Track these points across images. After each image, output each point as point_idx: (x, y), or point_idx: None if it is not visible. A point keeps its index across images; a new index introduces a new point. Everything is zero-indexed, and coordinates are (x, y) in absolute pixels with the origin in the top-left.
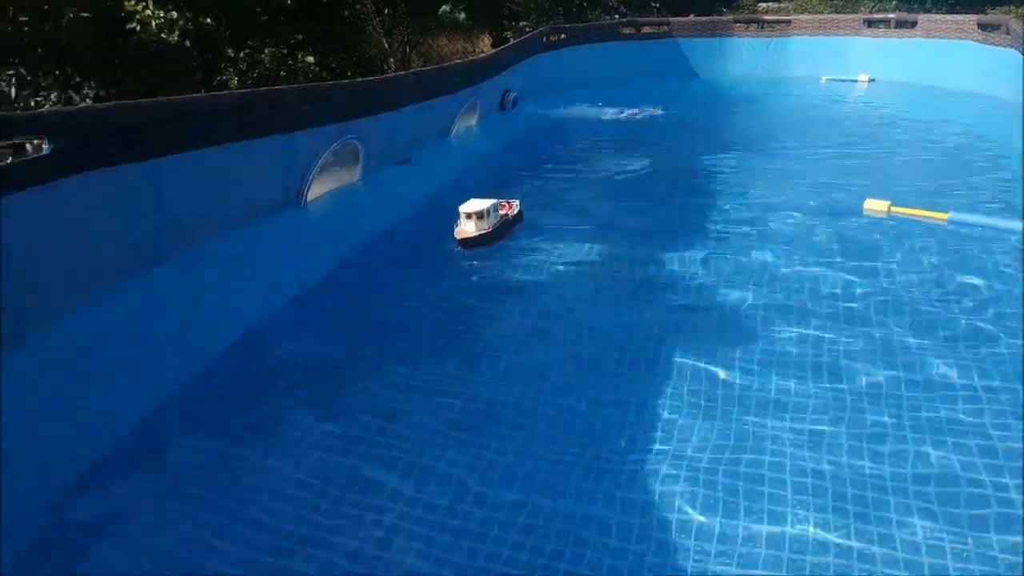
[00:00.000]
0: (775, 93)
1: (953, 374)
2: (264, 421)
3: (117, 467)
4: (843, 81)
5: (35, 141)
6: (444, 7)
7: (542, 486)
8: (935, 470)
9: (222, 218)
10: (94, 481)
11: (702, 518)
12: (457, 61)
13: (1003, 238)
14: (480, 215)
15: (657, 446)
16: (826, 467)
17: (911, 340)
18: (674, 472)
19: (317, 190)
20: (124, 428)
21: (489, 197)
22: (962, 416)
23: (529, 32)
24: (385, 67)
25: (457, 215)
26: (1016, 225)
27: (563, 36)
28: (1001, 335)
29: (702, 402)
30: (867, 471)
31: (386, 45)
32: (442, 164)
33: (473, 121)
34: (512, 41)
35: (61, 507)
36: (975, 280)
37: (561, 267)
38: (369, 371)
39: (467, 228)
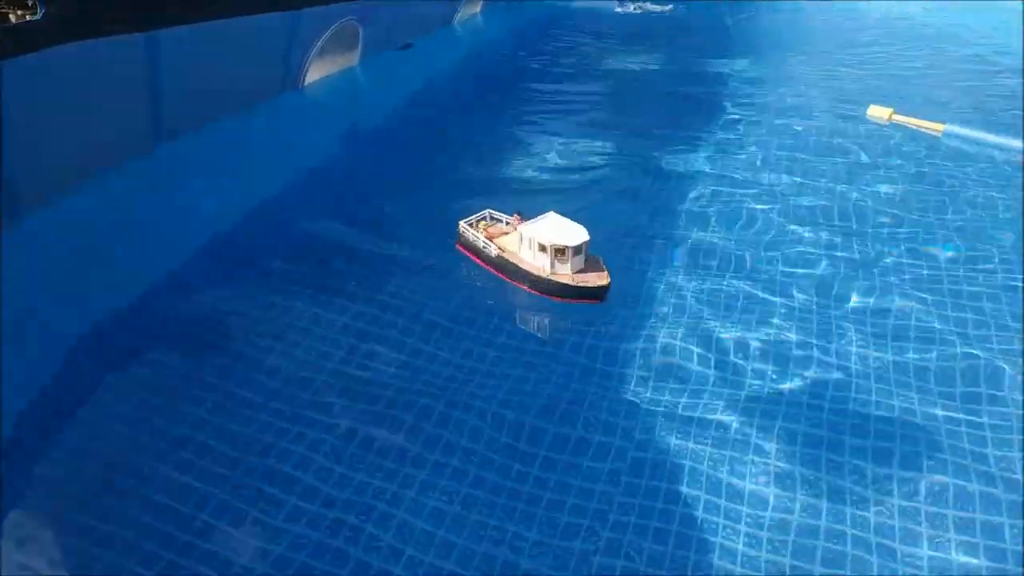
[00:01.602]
0: None
1: None
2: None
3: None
4: None
5: (19, 12)
6: None
7: None
8: None
9: (223, 96)
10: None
11: None
12: None
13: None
14: (578, 249)
15: None
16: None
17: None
18: None
19: (316, 73)
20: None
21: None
22: None
23: None
24: None
25: (534, 245)
26: (1013, 142)
27: None
28: None
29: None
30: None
31: None
32: (445, 51)
33: (477, 8)
34: None
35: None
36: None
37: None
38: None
39: (562, 269)
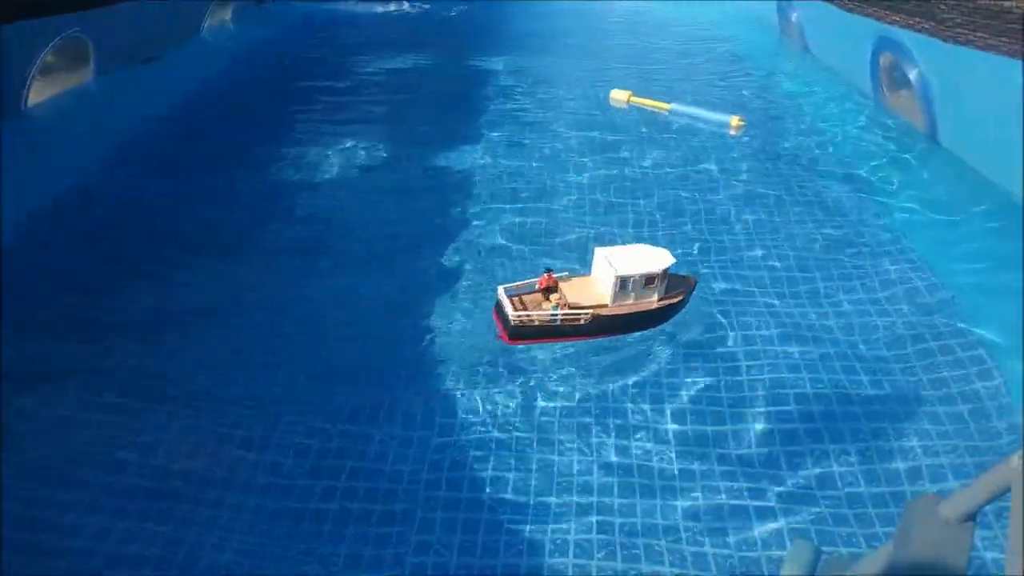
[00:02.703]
0: None
1: None
2: None
3: None
4: None
5: None
6: None
7: None
8: None
9: None
10: None
11: None
12: None
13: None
14: (651, 279)
15: None
16: None
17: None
18: None
19: (39, 95)
20: None
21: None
22: None
23: None
24: None
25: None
26: (724, 118)
27: None
28: None
29: None
30: None
31: None
32: (195, 63)
33: (228, 16)
34: None
35: None
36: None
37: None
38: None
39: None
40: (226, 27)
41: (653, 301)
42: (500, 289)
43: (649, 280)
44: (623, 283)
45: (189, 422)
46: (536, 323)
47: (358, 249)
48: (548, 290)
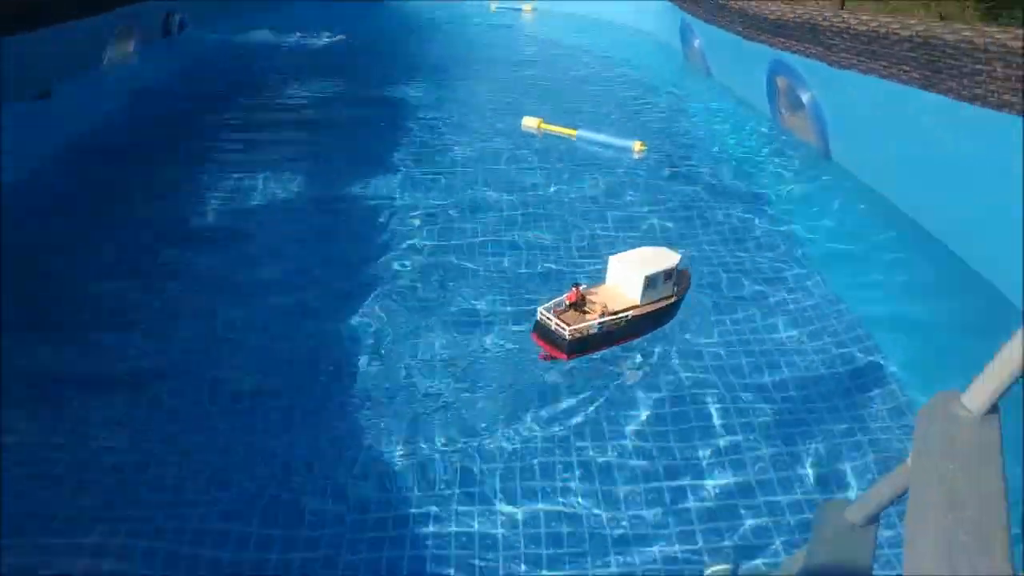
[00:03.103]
0: (453, 18)
1: None
2: None
3: None
4: (511, 8)
5: None
6: None
7: None
8: None
9: None
10: None
11: None
12: None
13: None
14: (669, 274)
15: None
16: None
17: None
18: None
19: None
20: None
21: None
22: None
23: None
24: None
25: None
26: (627, 143)
27: None
28: None
29: None
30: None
31: None
32: (94, 98)
33: (131, 48)
34: None
35: None
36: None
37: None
38: None
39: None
40: (130, 60)
41: (672, 295)
42: (540, 311)
43: (667, 276)
44: (651, 281)
45: None
46: (587, 334)
47: (274, 297)
48: (576, 304)
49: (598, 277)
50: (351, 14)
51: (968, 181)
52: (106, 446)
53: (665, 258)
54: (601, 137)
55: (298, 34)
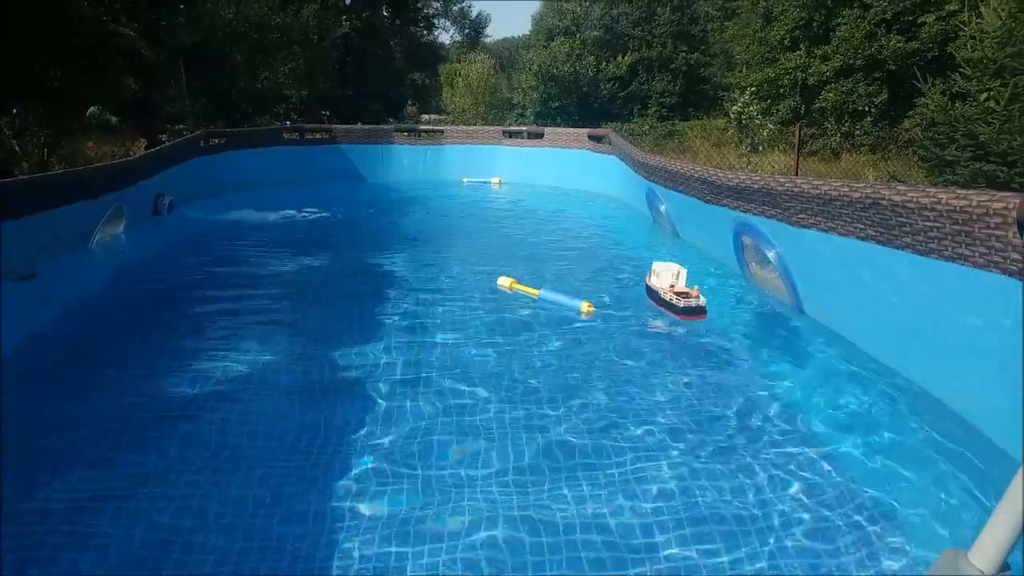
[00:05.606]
0: (431, 194)
1: None
2: None
3: None
4: (480, 183)
5: None
6: (92, 108)
7: None
8: None
9: None
10: None
11: None
12: (98, 164)
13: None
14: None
15: None
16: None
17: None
18: None
19: None
20: None
21: None
22: None
23: (187, 135)
24: (16, 172)
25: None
26: (576, 303)
27: (223, 140)
28: None
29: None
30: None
31: (16, 148)
32: (76, 280)
33: (120, 228)
34: (167, 143)
35: None
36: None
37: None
38: None
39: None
40: (119, 239)
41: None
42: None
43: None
44: (679, 274)
45: None
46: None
47: (259, 474)
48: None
49: None
50: (332, 194)
51: (942, 332)
52: None
53: (677, 268)
54: (556, 296)
55: (282, 212)
